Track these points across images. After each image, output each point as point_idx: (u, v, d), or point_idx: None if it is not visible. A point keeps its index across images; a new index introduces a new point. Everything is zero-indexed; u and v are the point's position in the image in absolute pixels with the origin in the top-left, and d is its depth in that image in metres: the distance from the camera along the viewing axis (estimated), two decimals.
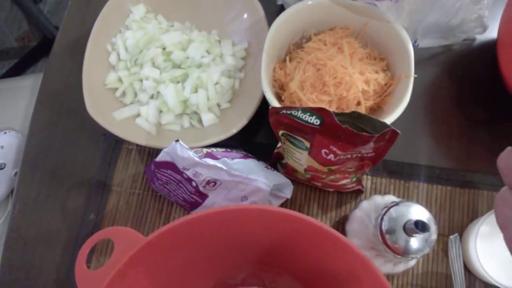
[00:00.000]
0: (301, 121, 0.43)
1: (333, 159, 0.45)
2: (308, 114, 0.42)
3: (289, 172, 0.54)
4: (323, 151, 0.45)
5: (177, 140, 0.47)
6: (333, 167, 0.47)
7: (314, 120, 0.42)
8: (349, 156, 0.45)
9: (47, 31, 1.43)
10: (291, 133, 0.46)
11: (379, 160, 0.47)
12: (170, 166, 0.49)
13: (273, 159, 0.54)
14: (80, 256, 0.41)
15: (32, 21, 1.52)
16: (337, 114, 0.41)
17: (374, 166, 0.49)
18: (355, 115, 0.43)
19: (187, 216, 0.39)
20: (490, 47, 0.62)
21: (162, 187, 0.52)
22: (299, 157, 0.49)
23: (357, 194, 0.57)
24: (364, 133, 0.41)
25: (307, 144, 0.46)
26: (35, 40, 1.57)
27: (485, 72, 0.62)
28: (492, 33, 0.59)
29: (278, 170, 0.55)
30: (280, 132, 0.47)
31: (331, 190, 0.56)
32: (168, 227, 0.39)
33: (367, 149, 0.45)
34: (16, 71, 1.47)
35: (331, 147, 0.44)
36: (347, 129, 0.41)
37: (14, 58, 1.53)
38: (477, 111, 0.60)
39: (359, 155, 0.46)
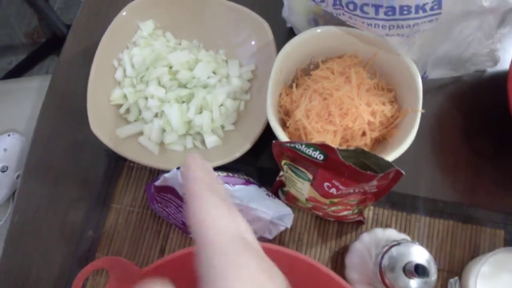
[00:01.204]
0: (304, 155, 0.43)
1: (335, 193, 0.45)
2: (312, 148, 0.42)
3: (291, 200, 0.53)
4: (325, 184, 0.45)
5: (178, 168, 0.47)
6: (335, 200, 0.47)
7: (317, 155, 0.42)
8: (351, 191, 0.45)
9: (57, 28, 1.42)
10: (294, 164, 0.46)
11: (381, 196, 0.47)
12: (170, 190, 0.49)
13: (275, 186, 0.54)
14: (74, 285, 0.40)
15: (42, 18, 1.51)
16: (341, 151, 0.41)
17: (376, 201, 0.48)
18: (359, 151, 0.43)
19: (184, 250, 0.38)
20: (501, 79, 0.61)
21: (162, 209, 0.52)
22: (301, 187, 0.48)
23: (358, 224, 0.56)
24: (368, 172, 0.41)
25: (310, 176, 0.45)
26: (44, 37, 1.57)
27: (494, 104, 0.61)
28: (503, 64, 0.58)
29: (279, 196, 0.54)
30: (283, 162, 0.47)
31: (332, 219, 0.56)
32: (164, 260, 0.38)
33: (370, 186, 0.44)
34: (24, 67, 1.47)
35: (333, 181, 0.44)
36: (350, 167, 0.40)
37: (23, 54, 1.53)
38: (485, 144, 0.60)
39: (361, 190, 0.45)
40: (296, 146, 0.43)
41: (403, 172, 0.42)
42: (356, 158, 0.43)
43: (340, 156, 0.40)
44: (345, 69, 0.53)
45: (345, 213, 0.51)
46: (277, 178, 0.52)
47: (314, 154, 0.42)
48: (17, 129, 0.88)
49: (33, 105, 0.92)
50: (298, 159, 0.44)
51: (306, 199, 0.49)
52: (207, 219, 0.26)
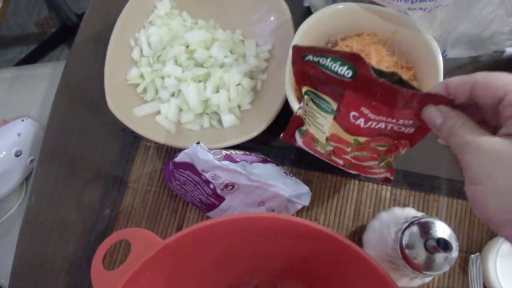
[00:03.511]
0: (329, 72, 0.36)
1: (362, 125, 0.37)
2: (339, 63, 0.35)
3: (308, 143, 0.46)
4: (352, 114, 0.37)
5: (198, 142, 0.46)
6: (361, 139, 0.39)
7: (345, 72, 0.35)
8: (382, 126, 0.37)
9: (67, 17, 1.43)
10: (316, 90, 0.40)
11: (420, 139, 0.38)
12: (189, 167, 0.49)
13: (291, 125, 0.46)
14: (96, 256, 0.40)
15: (52, 7, 1.52)
16: (374, 69, 0.33)
17: (412, 146, 0.40)
18: (395, 78, 0.34)
19: (207, 221, 0.38)
20: None
21: (179, 187, 0.52)
22: (322, 122, 0.41)
23: (384, 182, 0.53)
24: (406, 89, 0.32)
25: (334, 106, 0.38)
26: (54, 26, 1.58)
27: None
28: None
29: (295, 140, 0.48)
30: (304, 89, 0.41)
31: (353, 172, 0.48)
32: (187, 231, 0.38)
33: (407, 120, 0.36)
34: (35, 57, 1.48)
35: (362, 109, 0.36)
36: (384, 84, 0.33)
37: (33, 43, 1.53)
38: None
39: (395, 127, 0.37)
40: (321, 60, 0.36)
41: (451, 98, 0.33)
42: (391, 81, 0.34)
43: (372, 72, 0.33)
44: (364, 47, 0.52)
45: (370, 163, 0.44)
46: (295, 113, 0.45)
47: (341, 71, 0.35)
48: (31, 114, 0.88)
49: (46, 90, 0.92)
50: (322, 79, 0.38)
51: (327, 138, 0.42)
52: None
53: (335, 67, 0.35)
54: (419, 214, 0.49)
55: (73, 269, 0.56)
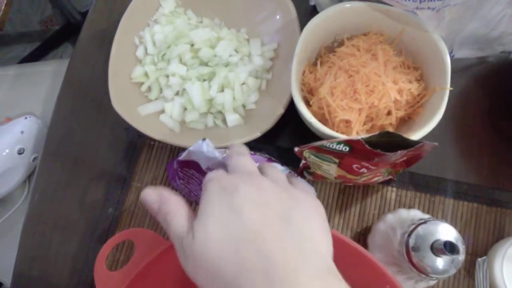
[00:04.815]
0: (328, 149, 0.42)
1: (365, 172, 0.44)
2: (335, 143, 0.41)
3: (318, 177, 0.52)
4: (354, 166, 0.44)
5: (204, 139, 0.46)
6: (365, 176, 0.46)
7: (342, 148, 0.41)
8: (382, 167, 0.44)
9: (71, 16, 1.42)
10: (317, 152, 0.45)
11: (413, 163, 0.47)
12: (194, 165, 0.48)
13: (300, 170, 0.53)
14: (100, 256, 0.40)
15: (56, 5, 1.52)
16: (366, 139, 0.39)
17: (408, 167, 0.48)
18: (383, 133, 0.40)
19: None
20: None
21: (184, 186, 0.52)
22: (328, 169, 0.47)
23: (389, 182, 0.55)
24: (398, 151, 0.39)
25: (336, 160, 0.44)
26: (58, 25, 1.58)
27: None
28: None
29: (304, 177, 0.54)
30: (305, 153, 0.45)
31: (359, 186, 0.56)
32: None
33: (399, 158, 0.43)
34: (38, 54, 1.48)
35: (363, 163, 0.43)
36: (379, 153, 0.40)
37: (37, 41, 1.53)
38: (510, 127, 0.58)
39: (392, 162, 0.44)
40: (318, 144, 0.42)
41: (435, 143, 0.41)
42: (382, 138, 0.41)
43: (367, 146, 0.39)
44: (371, 46, 0.52)
45: (375, 179, 0.50)
46: (301, 165, 0.51)
47: (339, 147, 0.41)
48: (34, 112, 0.88)
49: (49, 88, 0.92)
50: (322, 151, 0.43)
51: (335, 177, 0.49)
52: None
53: (332, 146, 0.41)
54: (426, 216, 0.49)
55: (75, 267, 0.56)
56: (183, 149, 0.55)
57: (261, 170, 0.34)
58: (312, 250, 0.28)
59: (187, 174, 0.49)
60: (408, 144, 0.41)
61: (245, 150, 0.36)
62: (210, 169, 0.47)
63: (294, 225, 0.28)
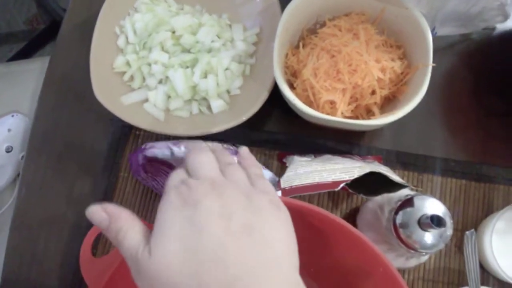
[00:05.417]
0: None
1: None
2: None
3: None
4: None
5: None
6: None
7: None
8: None
9: (56, 14, 1.41)
10: None
11: None
12: (165, 163, 0.48)
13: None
14: (85, 243, 0.40)
15: (40, 4, 1.50)
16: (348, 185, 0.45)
17: None
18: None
19: None
20: (510, 36, 0.60)
21: (151, 178, 0.51)
22: None
23: None
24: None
25: None
26: (43, 24, 1.56)
27: (503, 62, 0.59)
28: None
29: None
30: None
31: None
32: None
33: None
34: (24, 54, 1.46)
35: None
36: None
37: (23, 41, 1.51)
38: (495, 103, 0.58)
39: None
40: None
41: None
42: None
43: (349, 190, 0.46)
44: (353, 26, 0.51)
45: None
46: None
47: None
48: (20, 109, 0.87)
49: (35, 86, 0.91)
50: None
51: None
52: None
53: None
54: (412, 192, 0.49)
55: (65, 261, 0.55)
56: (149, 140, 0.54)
57: (220, 164, 0.32)
58: (276, 262, 0.27)
59: (155, 167, 0.49)
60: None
61: (205, 145, 0.34)
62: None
63: (257, 237, 0.28)
